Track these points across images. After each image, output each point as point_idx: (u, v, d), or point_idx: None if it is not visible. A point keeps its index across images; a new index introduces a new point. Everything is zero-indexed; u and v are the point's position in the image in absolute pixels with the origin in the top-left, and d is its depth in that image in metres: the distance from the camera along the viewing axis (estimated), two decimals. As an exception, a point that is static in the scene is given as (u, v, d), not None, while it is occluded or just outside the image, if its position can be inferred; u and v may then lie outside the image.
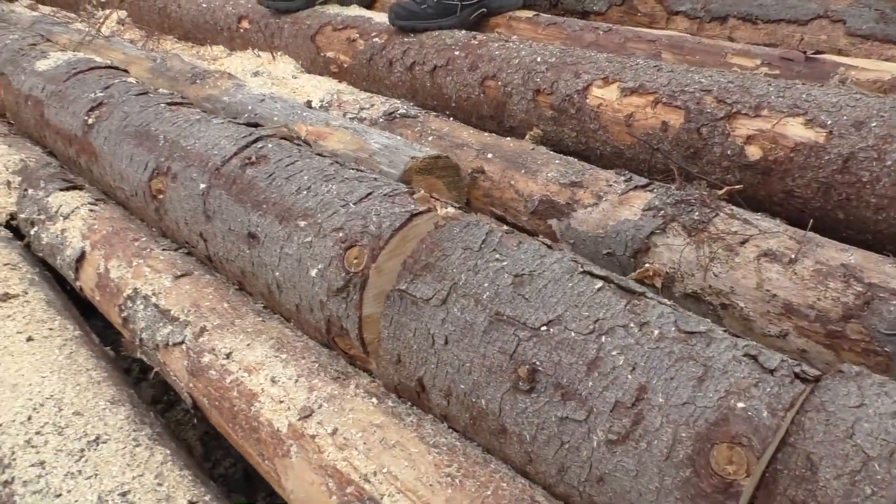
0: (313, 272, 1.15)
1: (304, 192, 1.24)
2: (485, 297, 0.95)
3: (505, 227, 1.07)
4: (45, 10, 4.02)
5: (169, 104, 1.78)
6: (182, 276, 1.47)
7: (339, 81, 2.44)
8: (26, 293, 1.70)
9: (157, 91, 1.93)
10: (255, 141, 1.45)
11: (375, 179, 1.25)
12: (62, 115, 1.99)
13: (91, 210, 1.82)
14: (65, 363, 1.46)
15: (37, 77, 2.23)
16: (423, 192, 1.18)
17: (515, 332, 0.92)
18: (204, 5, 3.00)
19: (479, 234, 1.03)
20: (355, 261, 1.09)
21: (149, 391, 1.81)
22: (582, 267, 0.97)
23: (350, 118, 2.13)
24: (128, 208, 1.81)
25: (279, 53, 2.64)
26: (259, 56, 2.69)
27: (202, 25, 3.00)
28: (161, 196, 1.55)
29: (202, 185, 1.43)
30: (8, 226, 2.03)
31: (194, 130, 1.57)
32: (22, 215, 1.97)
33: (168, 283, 1.45)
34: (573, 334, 0.89)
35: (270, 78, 2.50)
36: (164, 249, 1.59)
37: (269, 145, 1.42)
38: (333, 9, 2.60)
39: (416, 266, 1.02)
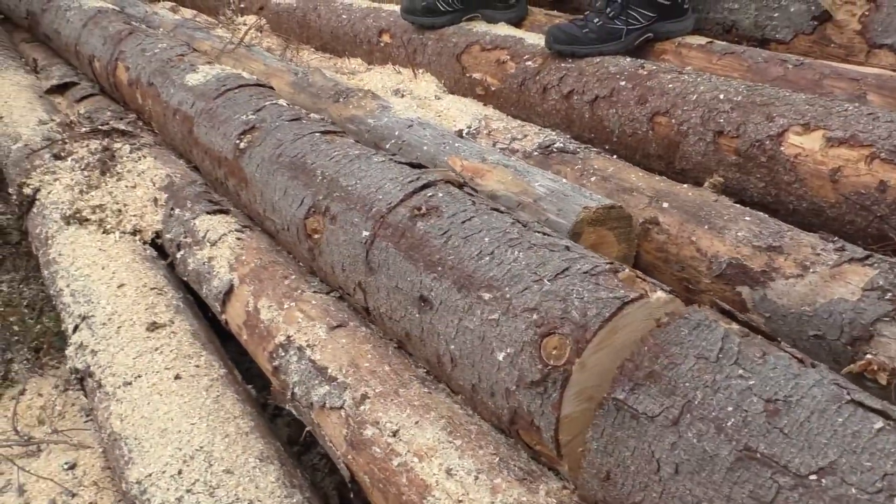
0: (500, 356, 1.02)
1: (487, 259, 1.12)
2: (729, 424, 0.79)
3: (736, 327, 0.91)
4: (187, 13, 4.12)
5: (323, 133, 1.71)
6: (338, 326, 1.38)
7: (485, 105, 2.32)
8: (172, 322, 1.66)
9: (309, 116, 1.86)
10: (424, 187, 1.34)
11: (568, 249, 1.10)
12: (212, 135, 1.95)
13: (238, 238, 1.77)
14: (212, 408, 1.40)
15: (186, 92, 2.22)
16: (628, 270, 1.03)
17: (773, 477, 0.75)
18: (344, 17, 2.95)
19: (714, 340, 0.87)
20: (555, 352, 0.95)
21: (285, 430, 1.75)
22: (849, 394, 0.80)
23: (500, 148, 2.00)
24: (276, 240, 1.75)
25: (421, 71, 2.54)
26: (399, 73, 2.60)
27: (341, 37, 2.95)
28: (317, 237, 1.47)
29: (365, 233, 1.33)
30: (153, 243, 2.02)
31: (354, 168, 1.48)
32: (168, 235, 1.95)
33: (323, 335, 1.36)
34: (854, 491, 0.72)
35: (413, 97, 2.41)
36: (315, 292, 1.52)
37: (440, 194, 1.31)
38: (480, 27, 2.47)
39: (638, 373, 0.87)
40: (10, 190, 2.41)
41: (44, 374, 1.96)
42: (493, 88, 2.29)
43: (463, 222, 1.21)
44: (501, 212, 1.25)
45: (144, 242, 2.01)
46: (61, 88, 3.33)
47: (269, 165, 1.68)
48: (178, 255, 1.85)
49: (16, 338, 2.12)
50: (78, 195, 2.14)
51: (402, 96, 2.42)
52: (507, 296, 1.05)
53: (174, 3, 4.20)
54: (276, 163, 1.66)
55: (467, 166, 1.73)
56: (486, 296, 1.07)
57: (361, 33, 2.83)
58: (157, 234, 2.02)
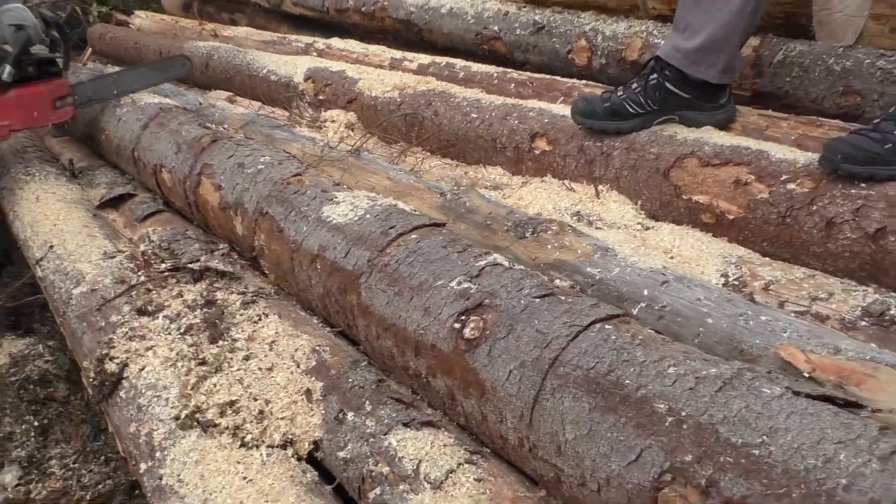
0: None
1: None
2: None
3: None
4: (244, 103, 3.61)
5: (610, 322, 1.15)
6: None
7: (716, 236, 1.78)
8: None
9: (558, 287, 1.31)
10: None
11: None
12: (401, 307, 1.39)
13: (478, 479, 1.18)
14: None
15: (330, 232, 1.67)
16: None
17: None
18: (474, 116, 2.43)
19: None
20: None
21: None
22: None
23: (794, 311, 1.45)
24: (553, 487, 1.16)
25: (604, 188, 2.01)
26: (571, 189, 2.07)
27: (472, 140, 2.43)
28: (690, 528, 0.89)
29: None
30: (309, 457, 1.43)
31: (740, 410, 0.91)
32: (340, 453, 1.36)
33: None
34: None
35: (606, 225, 1.87)
36: None
37: None
38: (684, 132, 1.96)
39: None
40: (85, 363, 1.81)
41: None
42: (730, 217, 1.75)
43: None
44: None
45: (299, 458, 1.41)
46: (115, 201, 2.78)
47: (536, 376, 1.11)
48: (371, 498, 1.25)
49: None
50: (191, 381, 1.55)
51: (593, 224, 1.87)
52: None
53: (230, 94, 3.69)
54: (554, 377, 1.09)
55: (821, 364, 1.17)
56: None
57: (503, 137, 2.32)
58: (316, 445, 1.43)
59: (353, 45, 3.58)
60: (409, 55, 3.22)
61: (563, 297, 1.23)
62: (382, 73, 2.96)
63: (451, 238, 1.50)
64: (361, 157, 2.42)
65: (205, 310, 1.82)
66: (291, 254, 1.78)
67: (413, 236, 1.53)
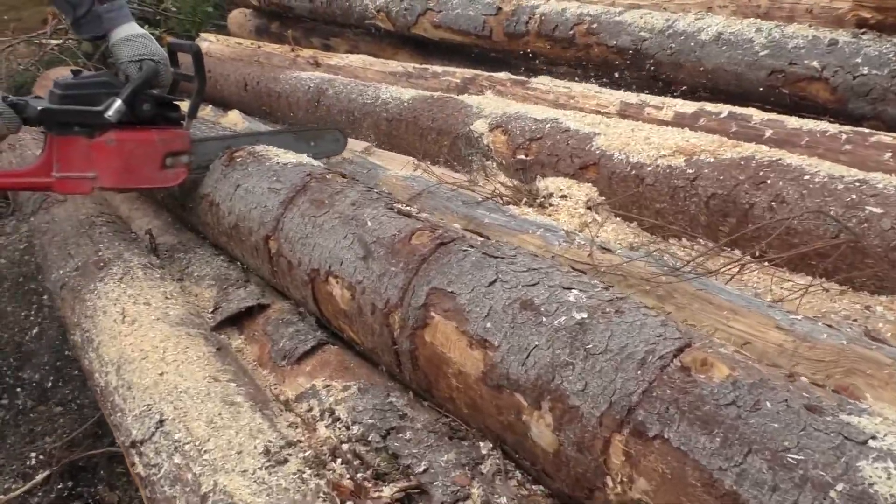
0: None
1: None
2: None
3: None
4: (385, 155, 2.65)
5: None
6: None
7: None
8: None
9: None
10: None
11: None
12: None
13: None
14: None
15: None
16: None
17: None
18: (876, 210, 1.45)
19: None
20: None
21: None
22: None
23: None
24: None
25: None
26: None
27: (877, 254, 1.44)
28: None
29: None
30: None
31: None
32: None
33: None
34: None
35: None
36: None
37: None
38: None
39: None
40: None
41: None
42: None
43: None
44: None
45: None
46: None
47: None
48: None
49: None
50: None
51: None
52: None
53: (368, 144, 2.74)
54: None
55: None
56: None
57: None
58: None
59: (543, 83, 2.62)
60: (653, 99, 2.26)
61: None
62: (636, 127, 2.00)
63: None
64: (703, 284, 1.42)
65: None
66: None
67: None
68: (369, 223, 1.56)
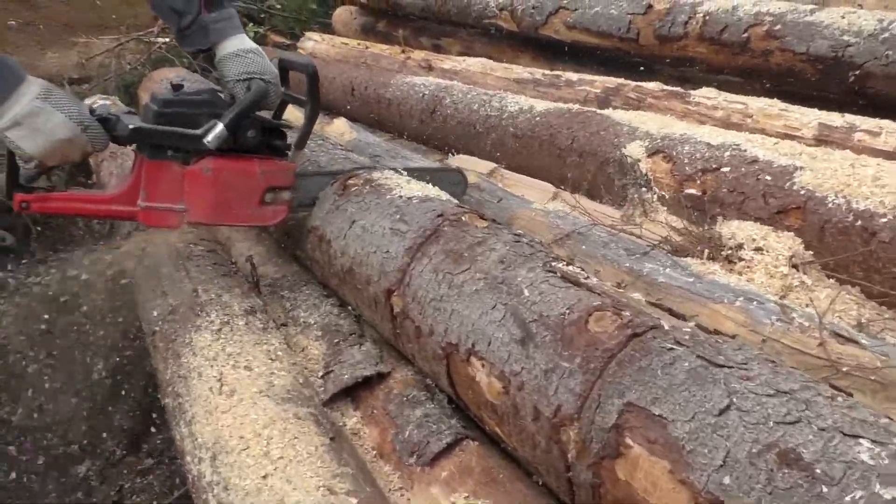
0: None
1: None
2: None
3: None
4: (508, 174, 2.29)
5: None
6: None
7: None
8: None
9: None
10: None
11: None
12: None
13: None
14: None
15: None
16: None
17: None
18: None
19: None
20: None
21: None
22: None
23: None
24: None
25: None
26: None
27: None
28: None
29: None
30: None
31: None
32: None
33: None
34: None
35: None
36: None
37: None
38: None
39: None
40: None
41: None
42: None
43: None
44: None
45: None
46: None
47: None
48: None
49: None
50: None
51: None
52: None
53: (494, 165, 2.39)
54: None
55: None
56: None
57: None
58: None
59: (709, 97, 2.20)
60: (865, 122, 1.81)
61: None
62: (855, 162, 1.57)
63: None
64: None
65: None
66: None
67: None
68: (526, 292, 1.22)
